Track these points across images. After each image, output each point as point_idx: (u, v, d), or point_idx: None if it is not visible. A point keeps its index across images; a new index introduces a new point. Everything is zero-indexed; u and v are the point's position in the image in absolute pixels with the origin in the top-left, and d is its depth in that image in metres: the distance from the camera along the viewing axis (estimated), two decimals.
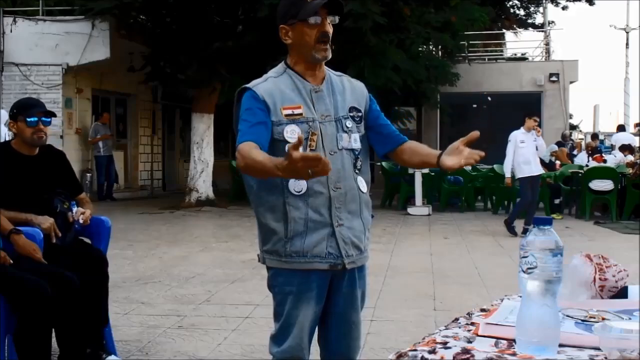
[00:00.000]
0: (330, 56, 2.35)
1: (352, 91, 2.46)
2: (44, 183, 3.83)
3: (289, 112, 2.32)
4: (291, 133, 2.29)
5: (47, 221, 3.70)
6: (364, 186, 2.42)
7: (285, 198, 2.30)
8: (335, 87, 2.42)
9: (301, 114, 2.32)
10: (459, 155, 2.23)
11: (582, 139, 22.51)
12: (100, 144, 14.83)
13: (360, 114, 2.44)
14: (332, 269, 2.34)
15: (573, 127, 27.56)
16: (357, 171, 2.40)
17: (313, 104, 2.35)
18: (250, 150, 2.18)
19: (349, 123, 2.39)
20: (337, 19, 2.35)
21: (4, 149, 3.88)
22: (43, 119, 3.80)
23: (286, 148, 1.94)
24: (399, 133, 2.53)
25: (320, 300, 2.38)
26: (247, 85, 2.36)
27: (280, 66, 2.42)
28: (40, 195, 3.79)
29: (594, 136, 17.48)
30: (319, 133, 2.33)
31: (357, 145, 2.41)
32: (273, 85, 2.35)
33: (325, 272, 2.35)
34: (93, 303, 3.75)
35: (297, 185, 2.29)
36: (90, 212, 3.84)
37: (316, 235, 2.31)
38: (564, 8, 26.02)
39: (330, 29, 2.32)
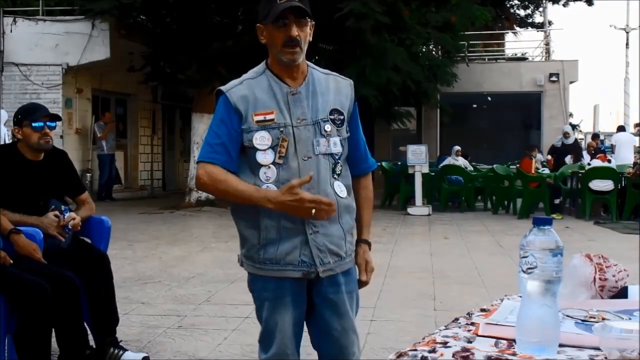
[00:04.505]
0: (299, 60, 2.28)
1: (336, 92, 2.38)
2: (47, 189, 3.83)
3: (261, 118, 2.28)
4: (260, 140, 2.27)
5: (52, 224, 3.71)
6: (342, 191, 2.35)
7: (259, 206, 2.27)
8: (317, 88, 2.34)
9: (273, 120, 2.28)
10: (362, 274, 2.46)
11: (582, 139, 22.51)
12: (104, 142, 14.84)
13: (342, 117, 2.36)
14: (305, 277, 2.31)
15: (573, 127, 27.56)
16: (335, 176, 2.33)
17: (289, 107, 2.29)
18: (227, 176, 2.26)
19: (328, 127, 2.32)
20: (306, 20, 2.28)
21: (9, 151, 3.87)
22: (48, 123, 3.79)
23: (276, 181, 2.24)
24: (364, 159, 2.50)
25: (297, 305, 2.34)
26: (222, 89, 2.34)
27: (261, 66, 2.38)
28: (41, 200, 3.79)
29: (595, 136, 17.47)
30: (290, 139, 2.27)
31: (336, 149, 2.33)
32: (248, 89, 2.31)
33: (299, 279, 2.32)
34: (102, 302, 3.76)
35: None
36: (80, 219, 3.82)
37: (289, 243, 2.28)
38: (565, 5, 26.03)
39: (296, 33, 2.25)
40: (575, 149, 14.30)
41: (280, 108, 2.29)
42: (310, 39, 2.35)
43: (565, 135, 15.42)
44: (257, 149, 2.27)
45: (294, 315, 2.34)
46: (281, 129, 2.27)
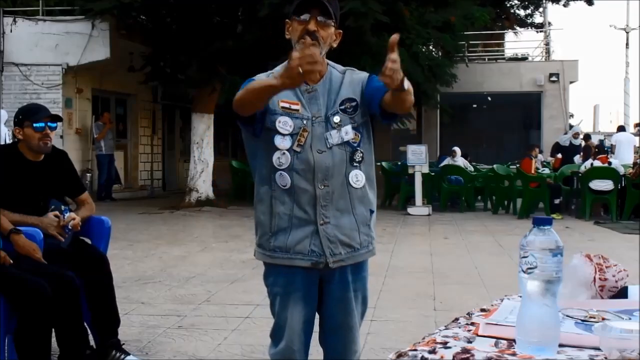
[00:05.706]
0: None
1: (349, 83, 2.40)
2: (47, 189, 3.83)
3: (287, 105, 2.33)
4: (283, 124, 2.31)
5: (52, 224, 3.71)
6: (357, 181, 2.35)
7: (273, 191, 2.33)
8: (334, 85, 2.39)
9: (298, 110, 2.33)
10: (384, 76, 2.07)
11: (582, 139, 22.43)
12: (102, 142, 14.84)
13: (354, 103, 2.37)
14: (314, 267, 2.33)
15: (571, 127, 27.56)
16: (355, 164, 2.35)
17: (305, 104, 2.35)
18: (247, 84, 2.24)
19: (337, 118, 2.35)
20: (329, 22, 2.31)
21: (10, 151, 3.86)
22: (49, 123, 3.79)
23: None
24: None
25: (308, 302, 2.37)
26: (250, 79, 2.38)
27: (285, 64, 2.43)
28: (41, 201, 3.80)
29: (587, 137, 17.29)
30: (309, 131, 2.32)
31: (349, 137, 2.35)
32: None
33: (310, 271, 2.34)
34: (102, 302, 3.76)
35: (282, 180, 2.31)
36: (80, 219, 3.82)
37: (300, 232, 2.32)
38: (565, 5, 26.01)
39: (315, 28, 2.28)
40: (585, 149, 14.29)
41: (301, 103, 2.35)
42: (334, 45, 2.37)
43: (575, 135, 15.44)
44: (278, 132, 2.30)
45: (304, 312, 2.37)
46: (304, 120, 2.32)
